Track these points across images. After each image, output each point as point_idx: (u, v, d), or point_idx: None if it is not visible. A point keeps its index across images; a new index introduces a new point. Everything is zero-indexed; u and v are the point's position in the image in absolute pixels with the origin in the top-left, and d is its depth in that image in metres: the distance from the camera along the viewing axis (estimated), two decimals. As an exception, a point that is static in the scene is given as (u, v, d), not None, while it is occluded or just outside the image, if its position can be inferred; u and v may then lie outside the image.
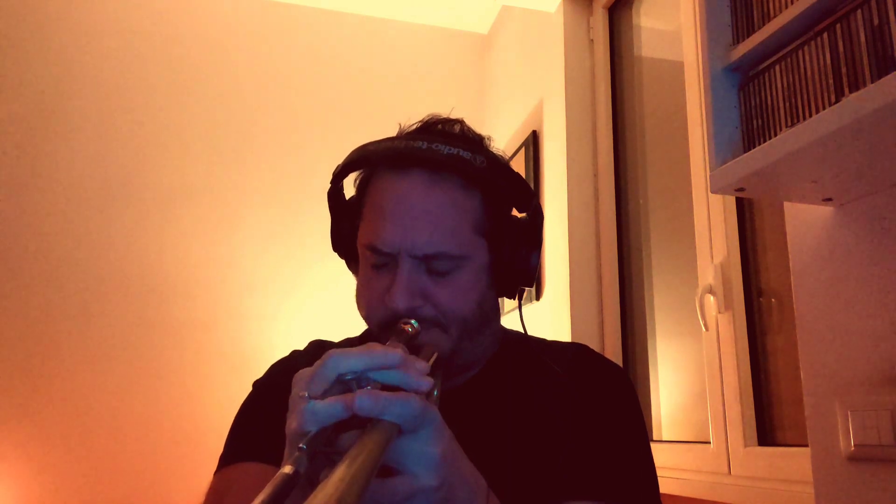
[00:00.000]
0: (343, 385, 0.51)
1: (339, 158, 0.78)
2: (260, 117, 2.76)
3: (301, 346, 0.88)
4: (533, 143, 2.40)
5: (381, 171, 0.75)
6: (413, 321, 0.69)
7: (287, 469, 0.42)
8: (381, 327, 0.72)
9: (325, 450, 0.47)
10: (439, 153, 0.70)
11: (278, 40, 2.85)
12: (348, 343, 0.87)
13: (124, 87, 2.64)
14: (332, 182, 0.79)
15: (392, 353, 0.53)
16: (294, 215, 2.67)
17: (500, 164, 0.74)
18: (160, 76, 2.69)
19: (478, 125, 0.82)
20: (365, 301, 0.75)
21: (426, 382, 0.53)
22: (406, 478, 0.50)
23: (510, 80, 2.76)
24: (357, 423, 0.47)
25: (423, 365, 0.55)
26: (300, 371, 0.53)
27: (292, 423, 0.49)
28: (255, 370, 0.87)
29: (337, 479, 0.40)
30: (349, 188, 0.81)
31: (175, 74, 2.70)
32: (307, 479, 0.44)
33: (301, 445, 0.45)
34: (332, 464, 0.43)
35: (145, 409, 2.41)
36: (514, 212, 0.79)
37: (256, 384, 0.84)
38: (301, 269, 2.64)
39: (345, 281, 0.81)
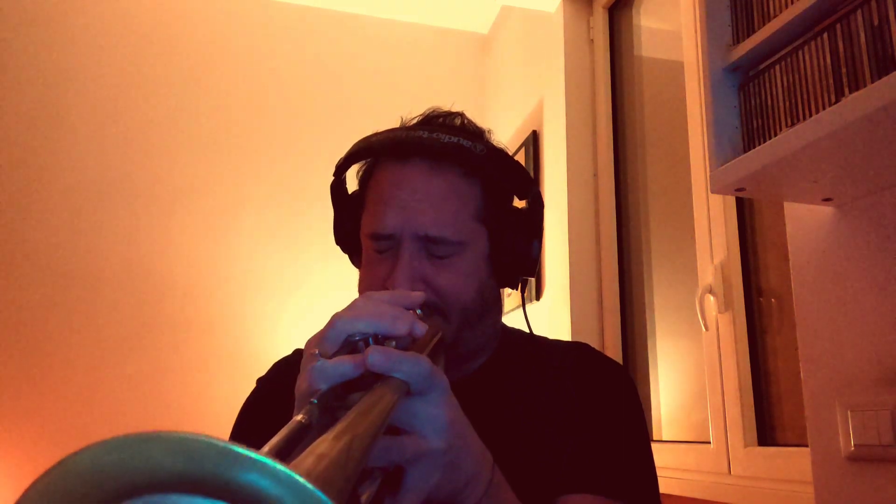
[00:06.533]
0: (351, 346, 0.52)
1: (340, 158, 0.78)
2: (260, 117, 2.76)
3: (303, 346, 0.88)
4: (533, 143, 2.40)
5: (382, 161, 0.76)
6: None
7: (300, 417, 0.41)
8: None
9: (335, 405, 0.47)
10: (439, 141, 0.71)
11: (278, 40, 2.85)
12: None
13: (124, 87, 2.64)
14: (334, 174, 0.80)
15: (401, 319, 0.53)
16: (295, 215, 2.67)
17: (500, 153, 0.74)
18: (160, 76, 2.69)
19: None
20: (366, 287, 0.75)
21: (421, 328, 0.54)
22: (415, 437, 0.50)
23: (510, 80, 2.76)
24: (366, 384, 0.48)
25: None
26: (310, 337, 0.54)
27: (303, 384, 0.50)
28: (256, 370, 0.87)
29: (346, 426, 0.39)
30: (352, 183, 0.81)
31: (175, 74, 2.70)
32: (318, 432, 0.44)
33: (312, 400, 0.44)
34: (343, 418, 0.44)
35: (146, 410, 2.41)
36: (516, 201, 0.79)
37: (260, 381, 0.85)
38: (302, 269, 2.64)
39: (346, 280, 0.81)
